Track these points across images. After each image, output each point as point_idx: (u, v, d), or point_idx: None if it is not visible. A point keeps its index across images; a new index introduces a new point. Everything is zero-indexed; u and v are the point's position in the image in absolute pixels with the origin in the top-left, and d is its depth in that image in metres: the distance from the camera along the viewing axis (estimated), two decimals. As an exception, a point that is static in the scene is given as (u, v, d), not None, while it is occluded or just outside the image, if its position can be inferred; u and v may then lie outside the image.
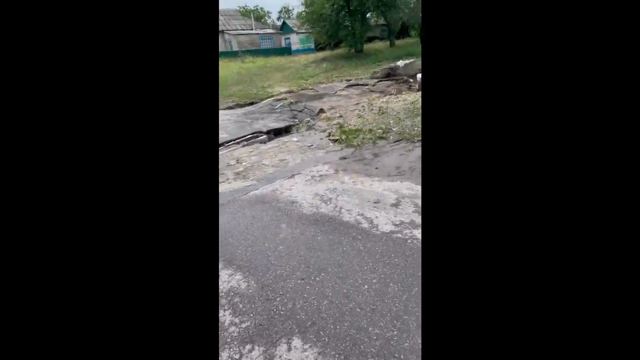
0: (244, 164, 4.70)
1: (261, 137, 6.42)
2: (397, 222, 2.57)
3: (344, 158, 4.45)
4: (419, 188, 3.16)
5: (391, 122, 5.95)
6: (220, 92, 11.68)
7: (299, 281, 2.02)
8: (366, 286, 1.91)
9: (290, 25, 31.73)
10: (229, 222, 2.89)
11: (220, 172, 4.37)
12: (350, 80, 11.84)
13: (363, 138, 5.22)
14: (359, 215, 2.77)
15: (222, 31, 28.82)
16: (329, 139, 5.55)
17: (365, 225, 2.60)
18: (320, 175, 3.84)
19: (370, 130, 5.57)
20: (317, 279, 2.02)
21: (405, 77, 10.82)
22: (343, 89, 10.56)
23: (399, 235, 2.39)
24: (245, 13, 36.16)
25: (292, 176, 3.93)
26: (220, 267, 2.25)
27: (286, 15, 41.66)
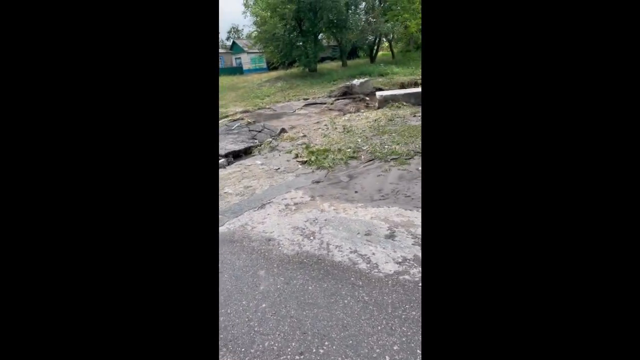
0: (203, 193, 4.09)
1: (220, 161, 5.81)
2: (399, 259, 2.21)
3: (318, 182, 4.06)
4: (409, 214, 2.87)
5: (359, 140, 5.74)
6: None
7: (297, 357, 1.53)
8: (387, 357, 1.48)
9: (241, 45, 31.37)
10: (192, 273, 2.31)
11: (174, 206, 3.72)
12: (308, 99, 11.68)
13: (333, 158, 4.91)
14: (352, 252, 2.36)
15: (168, 50, 27.45)
16: (297, 161, 5.14)
17: (362, 265, 2.20)
18: (295, 204, 3.40)
19: (340, 150, 5.29)
20: (321, 351, 1.55)
21: (361, 96, 10.93)
22: (301, 108, 10.33)
23: (407, 277, 2.02)
24: (192, 32, 35.03)
25: (263, 206, 3.43)
26: (184, 343, 1.68)
27: (235, 35, 41.28)
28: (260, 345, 1.61)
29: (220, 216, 3.29)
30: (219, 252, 2.56)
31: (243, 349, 1.60)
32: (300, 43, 17.03)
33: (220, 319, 1.82)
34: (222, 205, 3.59)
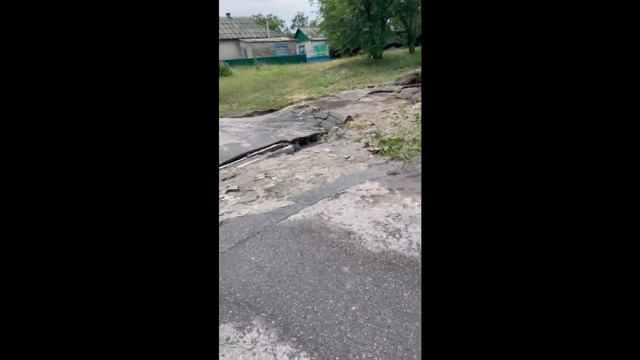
0: (274, 178, 4.04)
1: (287, 147, 5.77)
2: (514, 273, 1.85)
3: (394, 173, 3.75)
4: (514, 218, 2.44)
5: (436, 131, 5.25)
6: (237, 99, 11.19)
7: (403, 379, 1.30)
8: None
9: (305, 33, 31.52)
10: (272, 261, 2.20)
11: (248, 189, 3.72)
12: (373, 86, 11.23)
13: (409, 149, 4.52)
14: (449, 257, 2.05)
15: (237, 39, 28.69)
16: (368, 150, 4.86)
17: (466, 275, 1.88)
18: (372, 196, 3.14)
19: (415, 140, 4.87)
20: (432, 376, 1.30)
21: (432, 84, 10.14)
22: (366, 96, 9.94)
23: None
24: (260, 21, 36.18)
25: (337, 195, 3.23)
26: (272, 337, 1.56)
27: (300, 24, 41.66)
28: (357, 357, 1.41)
29: (294, 203, 3.18)
30: (297, 241, 2.43)
31: (337, 358, 1.42)
32: (367, 28, 16.41)
33: (308, 317, 1.67)
34: (294, 191, 3.48)
